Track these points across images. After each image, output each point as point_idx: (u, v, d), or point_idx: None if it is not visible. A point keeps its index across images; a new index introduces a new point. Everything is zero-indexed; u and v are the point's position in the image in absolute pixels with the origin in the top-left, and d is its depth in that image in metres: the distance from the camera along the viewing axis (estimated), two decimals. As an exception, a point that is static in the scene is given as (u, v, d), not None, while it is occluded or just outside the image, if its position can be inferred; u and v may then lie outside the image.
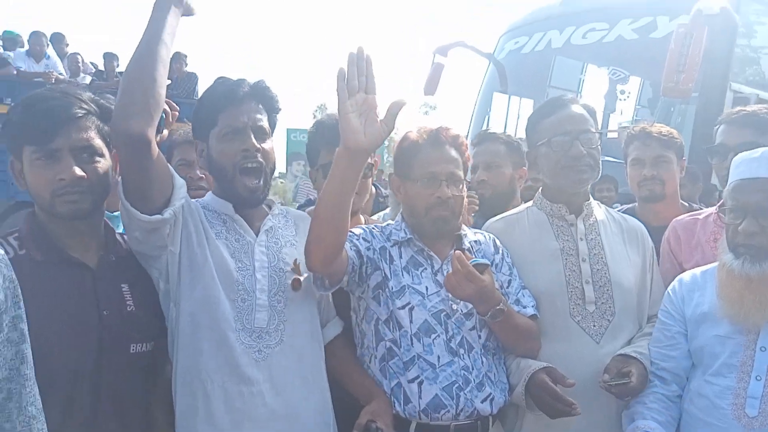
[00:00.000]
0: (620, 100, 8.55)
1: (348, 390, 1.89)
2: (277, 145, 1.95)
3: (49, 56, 8.17)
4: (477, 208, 2.52)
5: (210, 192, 1.89)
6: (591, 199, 2.11)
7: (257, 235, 1.81)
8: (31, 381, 1.28)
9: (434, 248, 1.93)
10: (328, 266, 1.73)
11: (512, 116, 8.09)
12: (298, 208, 2.45)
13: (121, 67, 9.11)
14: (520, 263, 2.02)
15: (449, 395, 1.78)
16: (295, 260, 1.82)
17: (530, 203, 2.16)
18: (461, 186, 1.92)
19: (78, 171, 1.52)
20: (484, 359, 1.85)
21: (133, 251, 1.72)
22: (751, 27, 6.59)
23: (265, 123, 1.81)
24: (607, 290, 1.99)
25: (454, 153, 1.93)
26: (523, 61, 7.26)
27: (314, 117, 31.20)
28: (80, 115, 1.54)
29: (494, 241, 2.04)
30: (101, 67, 9.21)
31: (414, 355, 1.81)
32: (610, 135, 6.44)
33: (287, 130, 16.69)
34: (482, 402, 1.80)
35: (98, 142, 1.58)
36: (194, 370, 1.68)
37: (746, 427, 1.66)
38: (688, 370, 1.87)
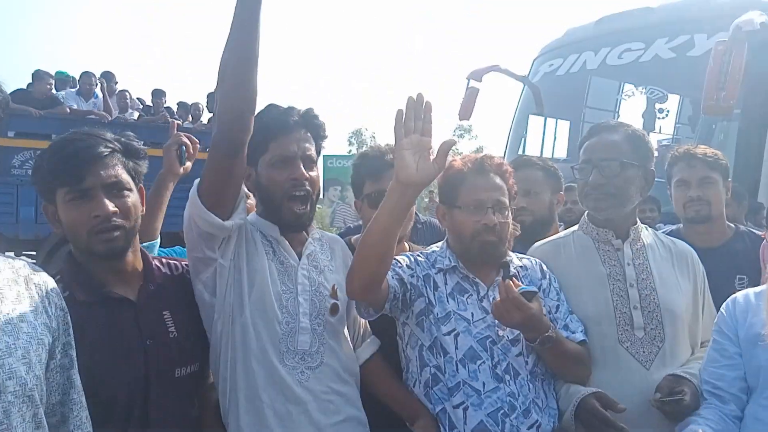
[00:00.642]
0: (659, 118, 8.46)
1: (391, 407, 1.91)
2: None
3: (97, 95, 8.51)
4: (518, 233, 2.52)
5: (254, 213, 1.94)
6: (638, 223, 2.09)
7: (300, 259, 1.86)
8: (78, 405, 1.36)
9: (479, 275, 1.95)
10: (369, 294, 1.77)
11: (548, 137, 8.10)
12: (340, 235, 2.49)
13: (168, 102, 9.45)
14: (566, 288, 2.02)
15: (494, 421, 1.77)
16: (333, 285, 1.87)
17: (575, 227, 2.16)
18: (507, 213, 1.94)
19: (111, 206, 1.57)
20: (531, 385, 1.84)
21: (187, 258, 1.79)
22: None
23: (313, 152, 1.87)
24: (657, 316, 1.96)
25: (499, 181, 1.95)
26: (558, 83, 7.26)
27: (349, 143, 31.45)
28: (106, 153, 1.59)
29: (541, 266, 2.04)
30: (149, 103, 9.54)
31: (459, 381, 1.81)
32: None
33: (324, 156, 16.84)
34: (528, 429, 1.79)
35: (125, 177, 1.63)
36: (250, 390, 1.73)
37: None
38: (745, 391, 1.81)
